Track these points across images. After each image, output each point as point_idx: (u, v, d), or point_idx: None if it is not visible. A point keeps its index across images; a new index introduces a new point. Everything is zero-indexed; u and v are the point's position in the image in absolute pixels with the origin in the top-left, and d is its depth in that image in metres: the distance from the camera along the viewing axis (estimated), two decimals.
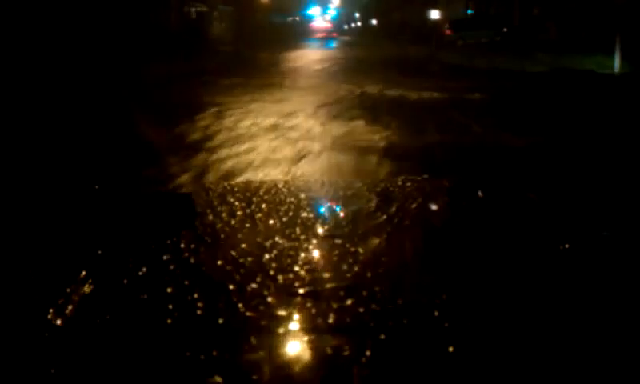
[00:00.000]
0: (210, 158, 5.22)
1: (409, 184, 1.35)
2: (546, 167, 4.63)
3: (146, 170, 4.65)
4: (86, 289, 0.81)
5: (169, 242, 0.95)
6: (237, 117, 7.26)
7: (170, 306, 0.74)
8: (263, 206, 1.15)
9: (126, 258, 0.91)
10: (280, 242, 0.94)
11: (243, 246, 0.94)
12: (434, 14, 29.75)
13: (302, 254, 0.90)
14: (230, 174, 4.65)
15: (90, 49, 14.16)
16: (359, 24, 60.49)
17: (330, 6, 59.59)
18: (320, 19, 49.59)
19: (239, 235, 1.00)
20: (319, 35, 40.72)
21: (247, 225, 1.05)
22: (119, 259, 0.91)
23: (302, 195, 1.30)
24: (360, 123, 6.69)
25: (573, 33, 18.06)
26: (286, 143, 5.72)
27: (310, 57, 20.51)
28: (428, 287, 0.80)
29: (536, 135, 5.78)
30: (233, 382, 0.60)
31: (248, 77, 12.12)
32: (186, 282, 0.81)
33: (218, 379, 0.60)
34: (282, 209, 1.13)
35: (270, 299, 0.75)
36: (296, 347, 0.66)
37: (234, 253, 0.90)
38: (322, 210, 1.25)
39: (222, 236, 0.99)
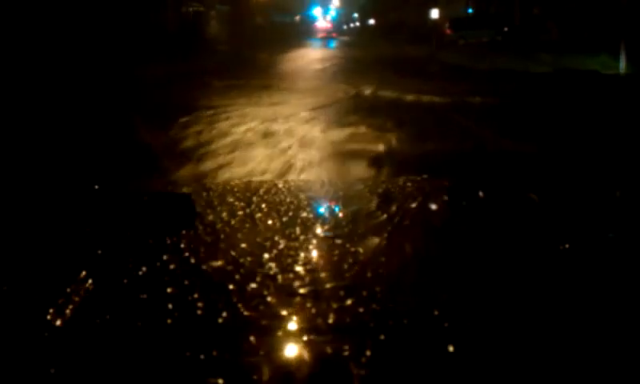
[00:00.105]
0: (198, 168, 4.90)
1: (409, 184, 1.35)
2: (559, 173, 4.32)
3: (130, 182, 4.22)
4: (86, 289, 0.81)
5: (169, 241, 0.95)
6: (232, 121, 7.03)
7: (170, 306, 0.74)
8: (263, 205, 1.15)
9: (125, 257, 0.91)
10: (280, 241, 0.94)
11: (243, 245, 0.94)
12: (434, 13, 29.74)
13: (302, 254, 0.90)
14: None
15: (86, 49, 14.13)
16: (357, 24, 60.66)
17: (331, 6, 59.71)
18: (321, 19, 49.73)
19: (239, 235, 1.00)
20: (320, 35, 40.86)
21: (247, 225, 1.05)
22: (119, 259, 0.91)
23: (302, 195, 1.30)
24: (361, 130, 6.39)
25: (574, 33, 18.02)
26: (282, 155, 5.40)
27: (311, 56, 20.51)
28: (428, 287, 0.80)
29: (551, 141, 5.51)
30: (233, 382, 0.60)
31: (246, 78, 11.99)
32: (186, 282, 0.81)
33: (218, 379, 0.59)
34: (282, 209, 1.13)
35: (269, 299, 0.75)
36: (296, 347, 0.66)
37: (233, 253, 0.90)
38: (322, 210, 1.25)
39: (222, 236, 0.99)
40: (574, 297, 0.78)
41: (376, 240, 0.96)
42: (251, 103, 8.50)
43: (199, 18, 27.22)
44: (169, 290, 0.78)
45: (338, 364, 0.62)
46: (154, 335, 0.68)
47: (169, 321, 0.71)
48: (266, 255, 0.88)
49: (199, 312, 0.72)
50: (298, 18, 49.47)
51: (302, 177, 4.73)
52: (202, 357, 0.63)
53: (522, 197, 1.27)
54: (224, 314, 0.71)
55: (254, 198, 1.20)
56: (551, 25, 20.37)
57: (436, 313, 0.71)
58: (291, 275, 0.81)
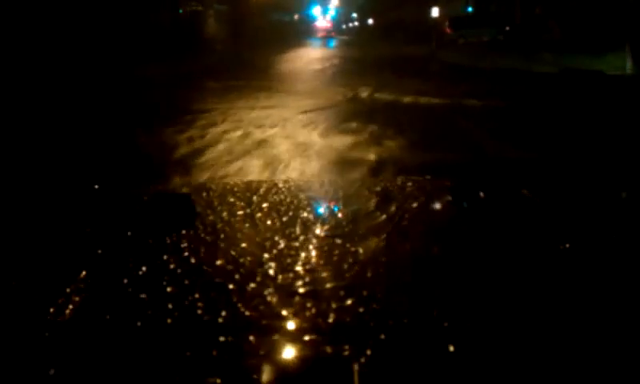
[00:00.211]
0: (190, 179, 4.62)
1: (409, 184, 1.35)
2: (568, 176, 4.23)
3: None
4: (86, 289, 0.81)
5: (169, 241, 0.95)
6: (227, 125, 6.86)
7: (170, 306, 0.74)
8: (263, 205, 1.15)
9: (126, 257, 0.91)
10: (280, 241, 0.94)
11: (243, 245, 0.94)
12: (434, 12, 29.70)
13: (302, 254, 0.90)
14: None
15: (84, 49, 14.12)
16: (356, 24, 60.66)
17: (330, 6, 59.73)
18: (321, 19, 49.75)
19: (239, 235, 1.00)
20: (320, 34, 40.86)
21: (247, 225, 1.05)
22: (119, 259, 0.91)
23: (302, 195, 1.30)
24: (362, 136, 6.26)
25: (576, 32, 17.95)
26: (280, 164, 5.23)
27: (310, 56, 20.46)
28: (428, 287, 0.80)
29: (563, 146, 5.34)
30: (233, 382, 0.60)
31: (245, 79, 11.90)
32: (186, 282, 0.81)
33: (218, 379, 0.60)
34: (282, 209, 1.13)
35: (269, 299, 0.75)
36: (296, 347, 0.66)
37: (233, 253, 0.90)
38: (322, 210, 1.25)
39: (222, 236, 0.99)
40: (574, 297, 0.78)
41: (376, 240, 0.96)
42: (248, 106, 8.44)
43: (197, 18, 27.19)
44: (169, 290, 0.78)
45: (338, 364, 0.62)
46: (154, 335, 0.69)
47: (169, 321, 0.71)
48: (266, 255, 0.88)
49: (199, 312, 0.72)
50: (297, 17, 49.45)
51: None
52: (201, 357, 0.63)
53: (523, 197, 1.27)
54: (224, 314, 0.71)
55: (254, 198, 1.20)
56: (553, 24, 20.33)
57: (436, 313, 0.71)
58: (291, 275, 0.81)
